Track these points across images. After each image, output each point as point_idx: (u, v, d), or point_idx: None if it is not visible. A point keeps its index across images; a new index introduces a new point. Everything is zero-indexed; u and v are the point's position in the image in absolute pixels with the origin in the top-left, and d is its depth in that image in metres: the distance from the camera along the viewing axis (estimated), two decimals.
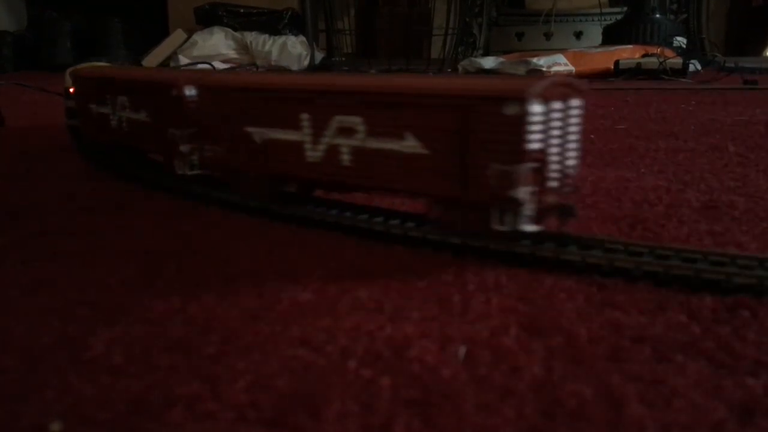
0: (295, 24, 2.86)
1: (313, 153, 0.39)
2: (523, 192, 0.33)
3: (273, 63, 2.71)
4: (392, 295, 0.31)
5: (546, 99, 0.33)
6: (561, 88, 0.34)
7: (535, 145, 0.33)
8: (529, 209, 0.33)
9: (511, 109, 0.32)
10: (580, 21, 3.09)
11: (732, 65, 2.06)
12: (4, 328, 0.28)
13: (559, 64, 2.22)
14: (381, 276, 0.33)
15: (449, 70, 2.62)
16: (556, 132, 0.34)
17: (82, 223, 0.43)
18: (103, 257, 0.36)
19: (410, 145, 0.36)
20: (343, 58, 2.95)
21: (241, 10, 2.87)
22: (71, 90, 0.68)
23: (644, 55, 2.18)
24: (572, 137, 0.35)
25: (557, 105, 0.34)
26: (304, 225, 0.42)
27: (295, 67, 2.70)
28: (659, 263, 0.32)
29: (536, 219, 0.34)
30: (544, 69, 2.19)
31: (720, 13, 3.17)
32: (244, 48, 2.76)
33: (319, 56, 2.89)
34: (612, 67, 2.13)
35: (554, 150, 0.34)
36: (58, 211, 0.46)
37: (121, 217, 0.45)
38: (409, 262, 0.35)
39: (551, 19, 3.01)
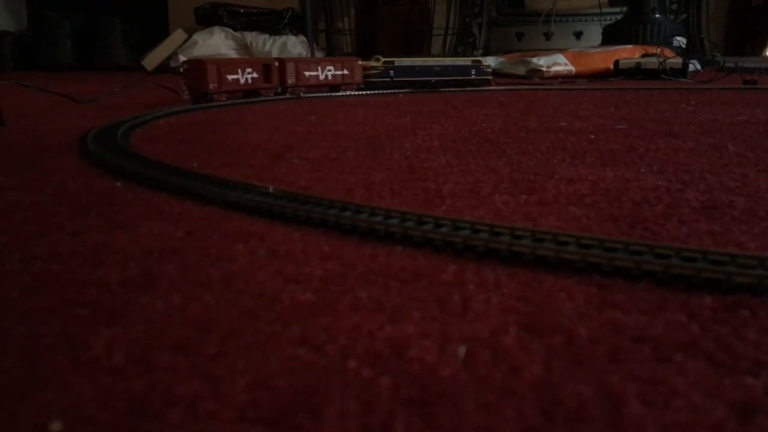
0: (295, 24, 2.86)
1: None
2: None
3: None
4: (392, 295, 0.31)
5: (218, 66, 1.23)
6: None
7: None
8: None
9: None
10: (580, 21, 3.09)
11: (732, 65, 2.06)
12: (4, 328, 0.28)
13: (558, 63, 2.23)
14: (381, 276, 0.33)
15: None
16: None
17: (82, 222, 0.43)
18: (103, 257, 0.37)
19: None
20: None
21: (242, 10, 2.87)
22: None
23: (644, 55, 2.19)
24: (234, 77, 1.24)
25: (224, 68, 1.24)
26: (305, 225, 0.42)
27: None
28: (659, 262, 0.32)
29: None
30: (543, 69, 2.19)
31: (720, 13, 3.17)
32: (244, 48, 2.76)
33: (318, 56, 2.89)
34: (612, 66, 2.13)
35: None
36: (58, 211, 0.46)
37: (121, 216, 0.45)
38: (409, 262, 0.35)
39: (551, 19, 3.01)
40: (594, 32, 2.97)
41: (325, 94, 1.45)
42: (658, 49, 2.10)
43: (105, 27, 2.92)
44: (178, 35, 2.76)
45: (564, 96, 1.46)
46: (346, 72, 1.50)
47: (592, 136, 0.81)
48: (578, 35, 3.05)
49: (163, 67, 2.70)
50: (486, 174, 0.59)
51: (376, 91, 1.54)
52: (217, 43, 2.72)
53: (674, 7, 3.04)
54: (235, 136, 0.83)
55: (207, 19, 2.85)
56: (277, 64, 1.36)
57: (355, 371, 0.24)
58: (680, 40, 2.70)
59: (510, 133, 0.85)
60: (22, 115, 1.10)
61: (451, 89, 1.62)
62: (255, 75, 1.30)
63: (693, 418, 0.21)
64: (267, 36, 2.76)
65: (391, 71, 1.59)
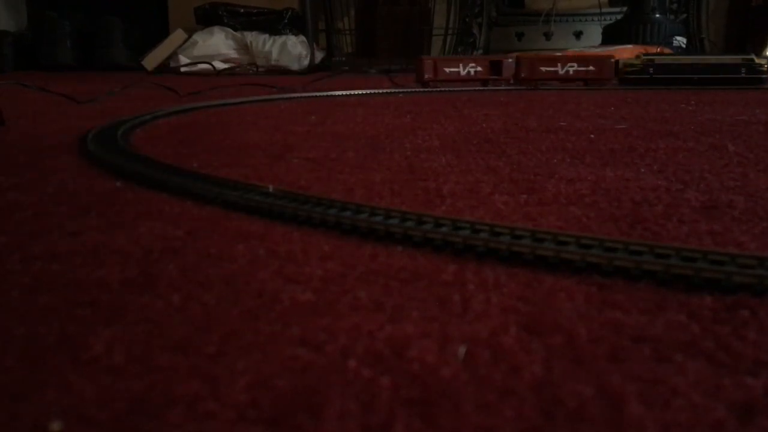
0: (295, 24, 2.85)
1: None
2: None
3: (273, 63, 2.71)
4: (392, 295, 0.31)
5: (434, 60, 1.65)
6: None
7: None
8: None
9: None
10: (580, 21, 3.09)
11: None
12: (4, 328, 0.28)
13: None
14: (381, 276, 0.33)
15: None
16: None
17: (82, 222, 0.43)
18: (103, 257, 0.37)
19: None
20: (343, 58, 2.95)
21: (241, 10, 2.87)
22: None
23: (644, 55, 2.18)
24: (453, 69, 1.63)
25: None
26: (305, 225, 0.42)
27: (295, 67, 2.70)
28: (659, 262, 0.32)
29: None
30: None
31: (720, 13, 3.16)
32: (244, 48, 2.75)
33: (319, 56, 2.89)
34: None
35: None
36: (57, 211, 0.46)
37: (121, 216, 0.45)
38: (409, 262, 0.35)
39: (551, 19, 3.00)
40: (594, 32, 2.96)
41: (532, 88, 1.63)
42: (658, 49, 2.10)
43: (105, 27, 2.91)
44: (178, 35, 2.76)
45: (564, 96, 1.46)
46: (591, 68, 1.65)
47: (592, 136, 0.81)
48: (578, 35, 3.04)
49: (163, 67, 2.70)
50: (486, 174, 0.59)
51: (631, 87, 1.62)
52: (217, 43, 2.72)
53: (674, 6, 3.03)
54: (235, 136, 0.83)
55: (207, 19, 2.84)
56: (510, 60, 1.66)
57: (355, 371, 0.24)
58: (680, 40, 2.70)
59: (510, 133, 0.85)
60: (22, 115, 1.10)
61: (716, 87, 1.61)
62: (479, 68, 1.64)
63: (693, 418, 0.21)
64: (267, 36, 2.76)
65: (651, 68, 1.63)
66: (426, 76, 1.63)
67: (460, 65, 1.64)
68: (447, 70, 1.63)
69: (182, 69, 2.61)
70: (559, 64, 1.64)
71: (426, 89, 1.63)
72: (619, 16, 2.92)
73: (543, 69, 1.64)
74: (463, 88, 1.62)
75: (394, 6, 2.99)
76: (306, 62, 2.73)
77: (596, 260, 0.33)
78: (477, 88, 1.66)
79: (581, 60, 1.66)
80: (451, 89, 1.60)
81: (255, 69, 2.69)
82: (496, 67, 1.66)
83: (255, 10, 2.88)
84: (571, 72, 1.64)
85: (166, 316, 0.29)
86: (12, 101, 1.32)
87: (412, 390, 0.22)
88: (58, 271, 0.34)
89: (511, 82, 1.68)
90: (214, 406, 0.21)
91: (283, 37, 2.76)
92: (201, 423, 0.21)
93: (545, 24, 3.02)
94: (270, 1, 2.89)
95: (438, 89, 1.62)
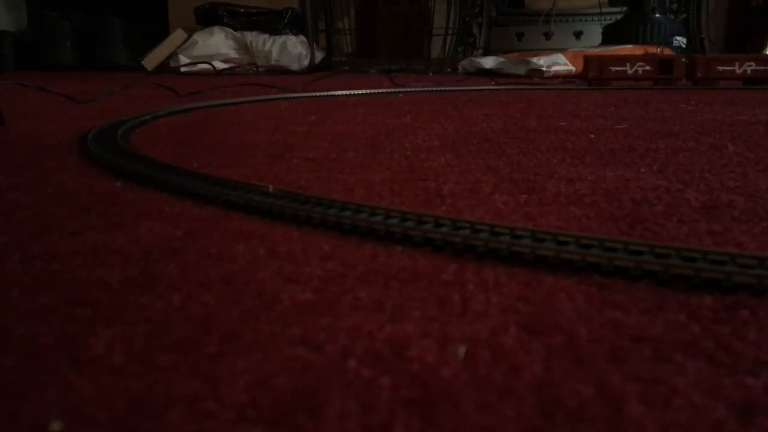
0: (295, 24, 2.86)
1: None
2: None
3: (273, 63, 2.71)
4: (392, 295, 0.31)
5: (600, 58, 1.70)
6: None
7: None
8: None
9: None
10: (580, 21, 3.09)
11: None
12: (4, 328, 0.28)
13: (559, 63, 2.23)
14: (381, 276, 0.33)
15: (449, 69, 2.62)
16: None
17: (82, 222, 0.43)
18: (103, 257, 0.37)
19: None
20: (343, 58, 2.95)
21: (241, 10, 2.87)
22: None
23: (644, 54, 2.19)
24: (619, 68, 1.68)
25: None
26: (305, 225, 0.42)
27: (295, 67, 2.70)
28: (659, 262, 0.32)
29: None
30: (544, 69, 2.19)
31: (720, 13, 3.16)
32: (244, 48, 2.76)
33: (319, 56, 2.89)
34: None
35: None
36: (57, 211, 0.46)
37: (121, 216, 0.45)
38: (409, 262, 0.35)
39: (551, 18, 3.00)
40: (594, 32, 2.97)
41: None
42: (658, 49, 2.10)
43: (105, 27, 2.91)
44: (178, 35, 2.76)
45: (564, 96, 1.46)
46: None
47: (592, 136, 0.81)
48: (578, 35, 3.04)
49: (163, 67, 2.70)
50: (486, 174, 0.59)
51: None
52: (217, 43, 2.72)
53: (674, 6, 3.03)
54: (235, 136, 0.83)
55: (207, 19, 2.84)
56: (683, 59, 1.69)
57: (355, 371, 0.24)
58: (680, 40, 2.70)
59: (510, 133, 0.85)
60: (22, 115, 1.10)
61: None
62: (648, 68, 1.67)
63: (693, 418, 0.21)
64: (267, 36, 2.76)
65: None
66: (590, 75, 1.66)
67: (627, 64, 1.67)
68: (613, 68, 1.67)
69: (182, 69, 2.61)
70: (736, 64, 1.66)
71: (430, 89, 1.63)
72: (619, 16, 2.92)
73: (720, 68, 1.65)
74: (630, 87, 1.64)
75: (394, 6, 2.99)
76: (306, 62, 2.73)
77: (596, 260, 0.33)
78: (647, 87, 1.66)
79: (759, 59, 1.68)
80: (467, 88, 1.61)
81: (255, 69, 2.69)
82: (666, 67, 1.67)
83: (255, 10, 2.88)
84: (748, 71, 1.66)
85: (166, 316, 0.29)
86: (12, 101, 1.32)
87: (412, 390, 0.22)
88: (58, 271, 0.34)
89: (683, 81, 1.68)
90: (214, 406, 0.21)
91: (283, 37, 2.76)
92: (201, 423, 0.21)
93: (545, 24, 3.02)
94: (270, 1, 2.89)
95: (442, 89, 1.62)
